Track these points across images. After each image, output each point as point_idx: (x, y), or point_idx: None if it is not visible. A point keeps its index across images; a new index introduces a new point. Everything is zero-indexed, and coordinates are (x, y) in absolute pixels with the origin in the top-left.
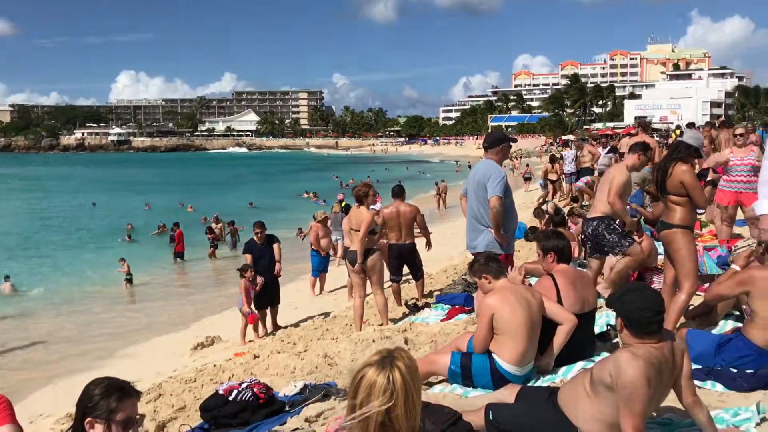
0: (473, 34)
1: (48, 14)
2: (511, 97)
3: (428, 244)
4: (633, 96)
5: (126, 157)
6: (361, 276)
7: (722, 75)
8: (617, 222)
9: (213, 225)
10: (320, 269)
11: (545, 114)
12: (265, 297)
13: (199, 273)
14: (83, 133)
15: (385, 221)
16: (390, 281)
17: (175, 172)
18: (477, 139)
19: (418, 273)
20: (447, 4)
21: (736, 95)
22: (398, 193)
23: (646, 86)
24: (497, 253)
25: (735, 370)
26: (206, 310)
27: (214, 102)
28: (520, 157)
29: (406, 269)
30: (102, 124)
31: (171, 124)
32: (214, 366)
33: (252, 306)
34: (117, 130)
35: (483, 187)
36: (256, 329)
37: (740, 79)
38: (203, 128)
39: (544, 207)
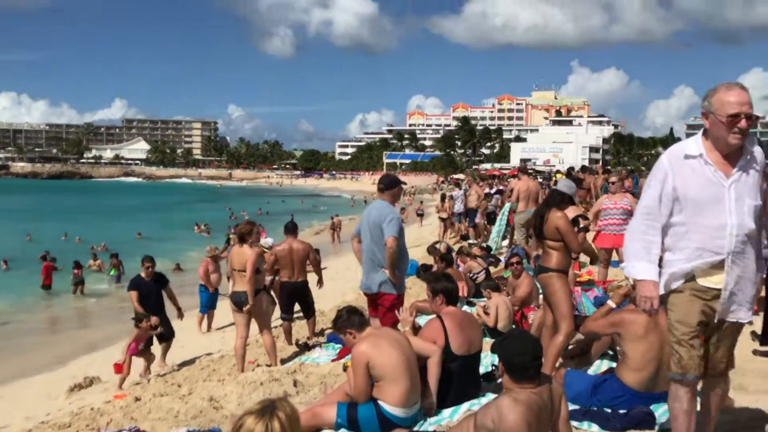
0: (370, 72)
1: None
2: (405, 136)
3: (320, 282)
4: (519, 139)
5: (4, 183)
6: (245, 316)
7: (600, 122)
8: None
9: (92, 261)
10: (208, 306)
11: (437, 153)
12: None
13: (79, 308)
14: None
15: (278, 258)
16: (280, 320)
17: (59, 200)
18: (372, 174)
19: (309, 311)
20: (344, 43)
21: (612, 142)
22: (291, 229)
23: (531, 130)
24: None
25: (609, 411)
26: (85, 348)
27: (103, 129)
28: (413, 194)
29: (297, 307)
30: None
31: (55, 150)
32: (92, 409)
33: (130, 354)
34: None
35: (379, 227)
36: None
37: (616, 126)
38: (90, 155)
39: (437, 245)
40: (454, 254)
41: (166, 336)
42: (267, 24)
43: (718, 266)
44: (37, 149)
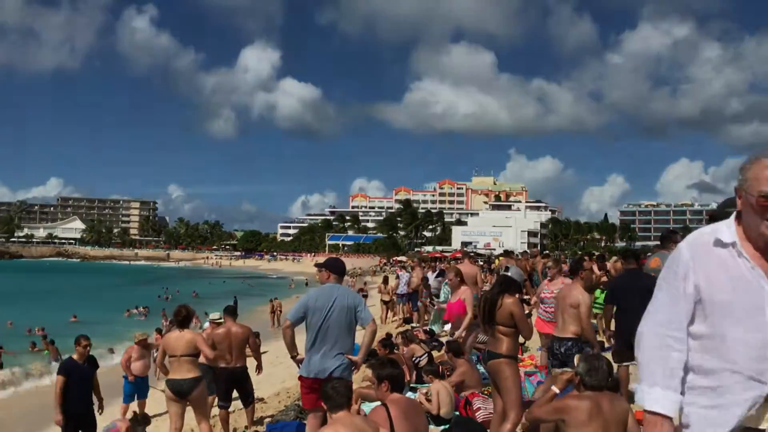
0: (313, 155)
1: None
2: (348, 218)
3: (259, 368)
4: (460, 222)
5: None
6: (181, 406)
7: (538, 207)
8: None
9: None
10: (132, 395)
11: (380, 235)
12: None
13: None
14: None
15: (215, 343)
16: (218, 407)
17: None
18: (314, 256)
19: (248, 398)
20: (287, 126)
21: (550, 226)
22: (231, 312)
23: (471, 214)
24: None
25: None
26: None
27: (37, 207)
28: (356, 276)
29: (235, 393)
30: None
31: None
32: None
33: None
34: None
35: (353, 311)
36: None
37: (553, 212)
38: (21, 234)
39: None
40: (393, 339)
41: None
42: (210, 105)
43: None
44: None
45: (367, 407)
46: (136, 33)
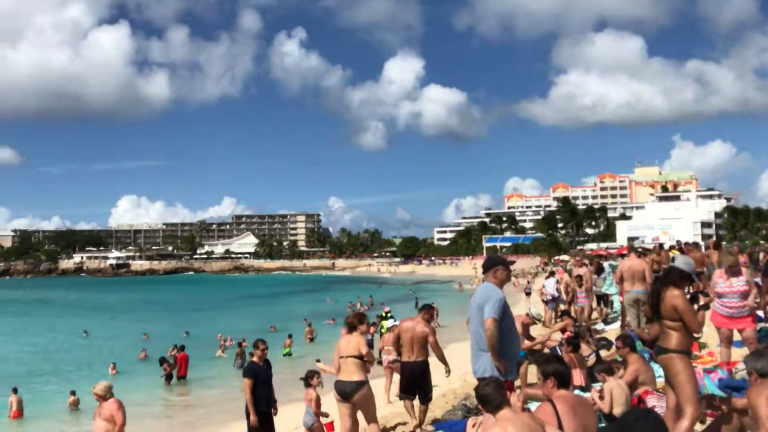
0: (461, 159)
1: (57, 144)
2: (504, 219)
3: (446, 369)
4: (624, 217)
5: (126, 280)
6: (349, 407)
7: (710, 196)
8: None
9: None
10: None
11: (539, 235)
12: (263, 431)
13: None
14: (82, 257)
15: (400, 338)
16: (400, 399)
17: (177, 296)
18: (472, 259)
19: (426, 396)
20: (433, 133)
21: (726, 216)
22: (419, 310)
23: (637, 207)
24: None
25: None
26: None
27: (214, 226)
28: (519, 276)
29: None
30: (101, 248)
31: (171, 248)
32: None
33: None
34: (116, 253)
35: (481, 309)
36: None
37: (728, 200)
38: (202, 251)
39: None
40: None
41: None
42: (359, 119)
43: None
44: (154, 247)
45: (534, 408)
46: (286, 57)
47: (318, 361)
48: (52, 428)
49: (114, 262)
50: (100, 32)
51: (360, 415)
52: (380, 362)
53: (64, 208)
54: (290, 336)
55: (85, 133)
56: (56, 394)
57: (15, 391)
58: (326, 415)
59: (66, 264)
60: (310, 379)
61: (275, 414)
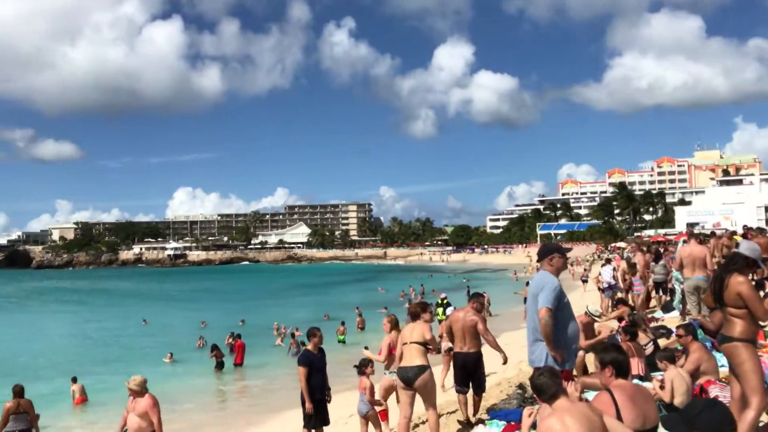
0: (513, 145)
1: (115, 138)
2: (558, 206)
3: (503, 358)
4: (683, 202)
5: (184, 271)
6: (410, 394)
7: None
8: None
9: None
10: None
11: (594, 221)
12: (318, 418)
13: (257, 382)
14: (141, 248)
15: (452, 328)
16: (455, 391)
17: (233, 286)
18: (526, 247)
19: (480, 387)
20: (484, 119)
21: None
22: (469, 299)
23: (696, 192)
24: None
25: None
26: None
27: (268, 216)
28: (574, 264)
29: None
30: (159, 239)
31: (226, 238)
32: None
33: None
34: (173, 244)
35: (536, 298)
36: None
37: None
38: (256, 241)
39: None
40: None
41: (325, 422)
42: (409, 107)
43: None
44: (210, 238)
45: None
46: (336, 47)
47: (366, 348)
48: (115, 414)
49: (172, 252)
50: (154, 27)
51: (419, 402)
52: (439, 351)
53: (123, 200)
54: (343, 323)
55: (141, 126)
56: (118, 382)
57: (75, 380)
58: (380, 404)
59: (126, 255)
60: (364, 367)
61: (329, 402)
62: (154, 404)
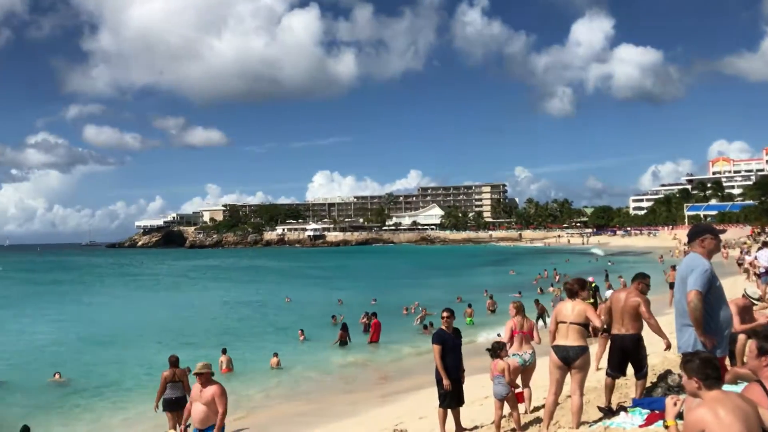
0: (658, 122)
1: (258, 124)
2: (708, 185)
3: (666, 343)
4: None
5: (323, 251)
6: (562, 372)
7: None
8: None
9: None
10: None
11: (749, 202)
12: (453, 398)
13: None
14: (283, 229)
15: (611, 309)
16: (606, 375)
17: (368, 266)
18: (672, 229)
19: (641, 370)
20: (625, 95)
21: None
22: (634, 279)
23: None
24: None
25: None
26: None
27: (401, 198)
28: (728, 247)
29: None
30: (300, 221)
31: (361, 220)
32: None
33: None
34: (313, 225)
35: (685, 281)
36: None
37: None
38: (390, 223)
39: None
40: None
41: (459, 401)
42: (545, 85)
43: None
44: (347, 219)
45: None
46: (468, 26)
47: (498, 335)
48: (258, 384)
49: (311, 233)
50: (292, 16)
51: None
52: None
53: (266, 183)
54: (470, 305)
55: (282, 112)
56: (261, 355)
57: (224, 351)
58: (518, 386)
59: (269, 235)
60: (499, 350)
61: (463, 382)
62: (221, 393)
